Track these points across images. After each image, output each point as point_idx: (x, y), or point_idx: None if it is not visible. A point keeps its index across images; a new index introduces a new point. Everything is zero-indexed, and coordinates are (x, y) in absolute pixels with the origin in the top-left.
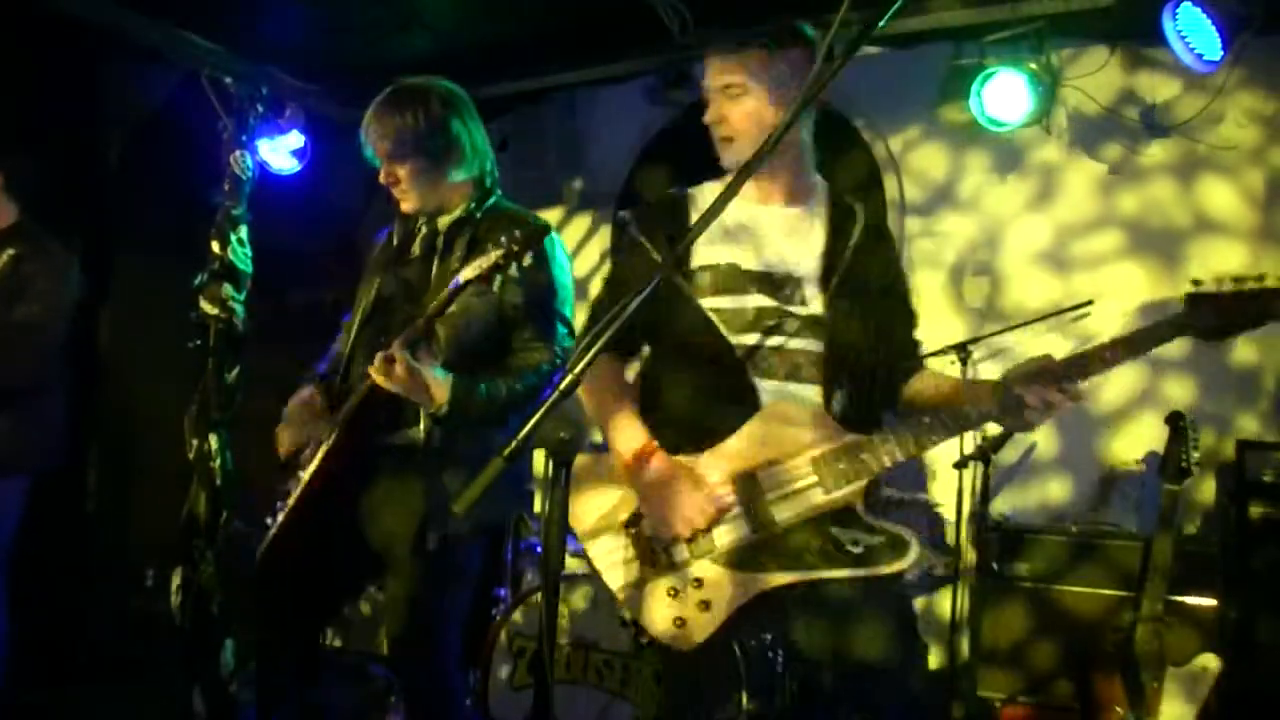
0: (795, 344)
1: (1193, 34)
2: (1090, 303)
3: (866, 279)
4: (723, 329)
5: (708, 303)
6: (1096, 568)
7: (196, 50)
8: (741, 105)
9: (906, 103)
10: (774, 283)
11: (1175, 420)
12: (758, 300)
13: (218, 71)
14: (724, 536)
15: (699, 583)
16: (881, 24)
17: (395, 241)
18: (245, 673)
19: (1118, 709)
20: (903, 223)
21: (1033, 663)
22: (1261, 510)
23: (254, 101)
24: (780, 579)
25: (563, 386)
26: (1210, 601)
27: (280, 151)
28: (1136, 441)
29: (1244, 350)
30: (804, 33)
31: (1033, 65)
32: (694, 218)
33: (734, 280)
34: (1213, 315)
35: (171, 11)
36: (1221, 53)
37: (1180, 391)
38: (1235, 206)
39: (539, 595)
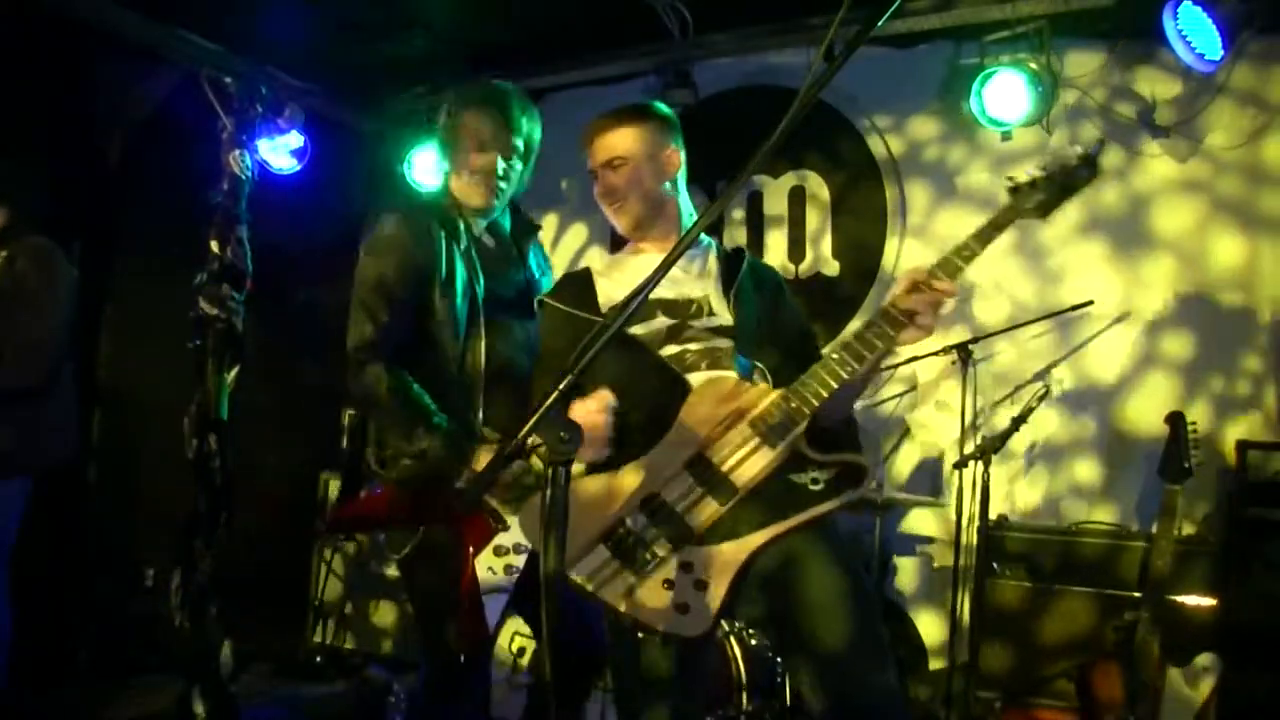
0: (709, 343)
1: (1193, 34)
2: (1090, 303)
3: (759, 295)
4: (646, 345)
5: (630, 331)
6: (1096, 568)
7: (196, 50)
8: (622, 175)
9: (906, 103)
10: (678, 306)
11: (1175, 420)
12: (666, 321)
13: (217, 71)
14: (698, 518)
15: (688, 566)
16: (881, 24)
17: (453, 234)
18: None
19: (1118, 709)
20: (903, 222)
21: (1033, 663)
22: (1261, 510)
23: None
24: (762, 536)
25: (562, 386)
26: (1210, 601)
27: (280, 151)
28: (1137, 441)
29: (1243, 350)
30: (657, 109)
31: (1033, 65)
32: (600, 286)
33: (643, 310)
34: (1035, 193)
35: (171, 11)
36: (1222, 52)
37: (1180, 391)
38: (1234, 206)
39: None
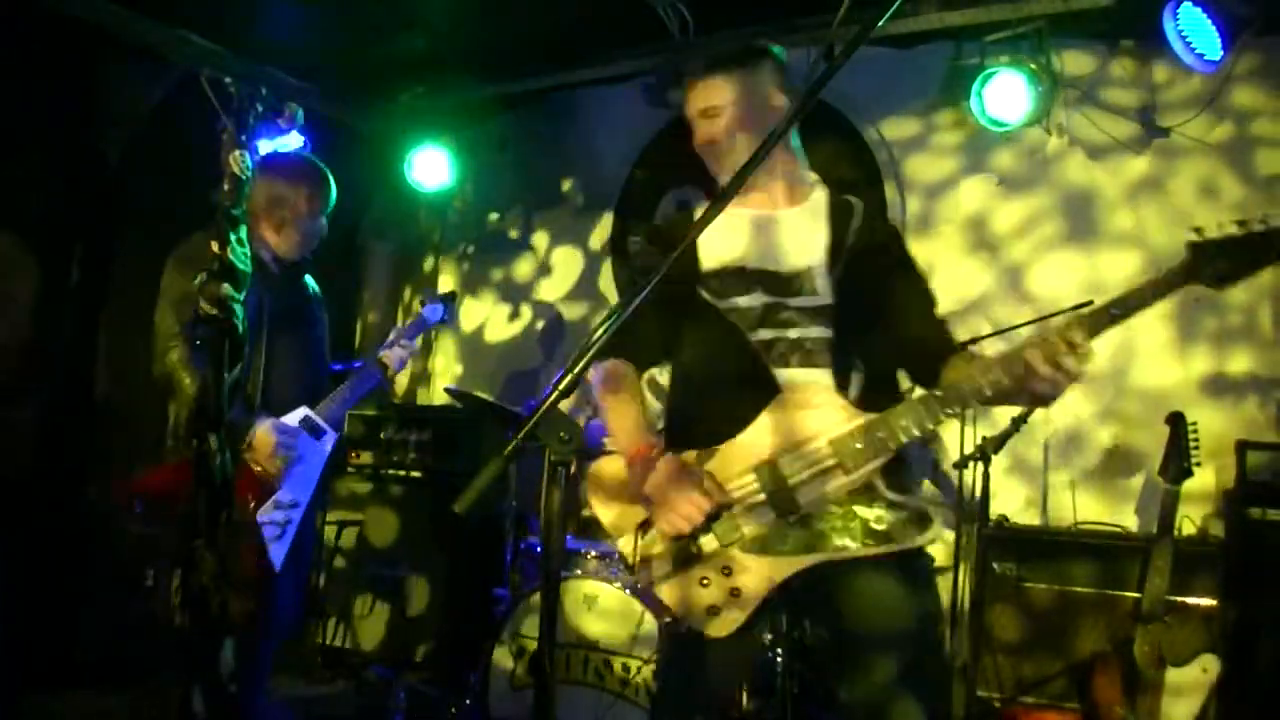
0: (803, 333)
1: (1193, 34)
2: (1090, 302)
3: (872, 266)
4: (738, 326)
5: (723, 303)
6: (1096, 568)
7: (196, 50)
8: (721, 125)
9: (907, 103)
10: (779, 280)
11: (1175, 420)
12: (763, 298)
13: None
14: (750, 524)
15: (728, 570)
16: (880, 24)
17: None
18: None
19: (1118, 709)
20: (903, 221)
21: (1032, 663)
22: (1261, 510)
23: (254, 101)
24: (807, 560)
25: (562, 386)
26: (1210, 601)
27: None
28: (1137, 441)
29: (1244, 351)
30: (771, 51)
31: (1033, 65)
32: (697, 244)
33: (739, 282)
34: (1220, 259)
35: (171, 11)
36: (1222, 53)
37: (1180, 391)
38: (1235, 204)
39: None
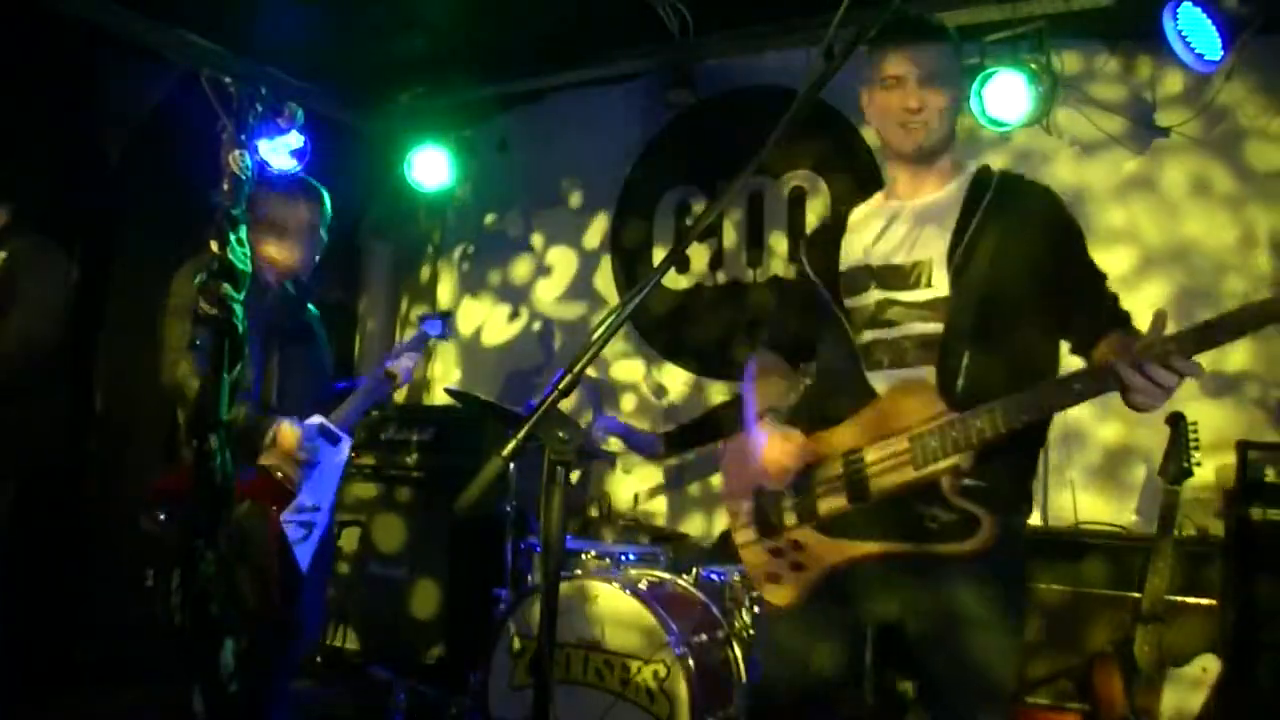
0: (908, 330)
1: (1193, 34)
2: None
3: (1006, 248)
4: (849, 329)
5: (847, 303)
6: (1097, 567)
7: (196, 50)
8: (937, 95)
9: None
10: (897, 274)
11: (1175, 421)
12: (876, 295)
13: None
14: (826, 505)
15: (798, 545)
16: (880, 24)
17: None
18: None
19: (1118, 709)
20: None
21: (1034, 662)
22: (1262, 510)
23: (254, 101)
24: (864, 548)
25: (562, 386)
26: (1210, 601)
27: (280, 151)
28: (1137, 441)
29: (1244, 352)
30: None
31: (1033, 65)
32: (845, 242)
33: (859, 279)
34: None
35: (171, 11)
36: (1222, 53)
37: (1181, 391)
38: (1234, 204)
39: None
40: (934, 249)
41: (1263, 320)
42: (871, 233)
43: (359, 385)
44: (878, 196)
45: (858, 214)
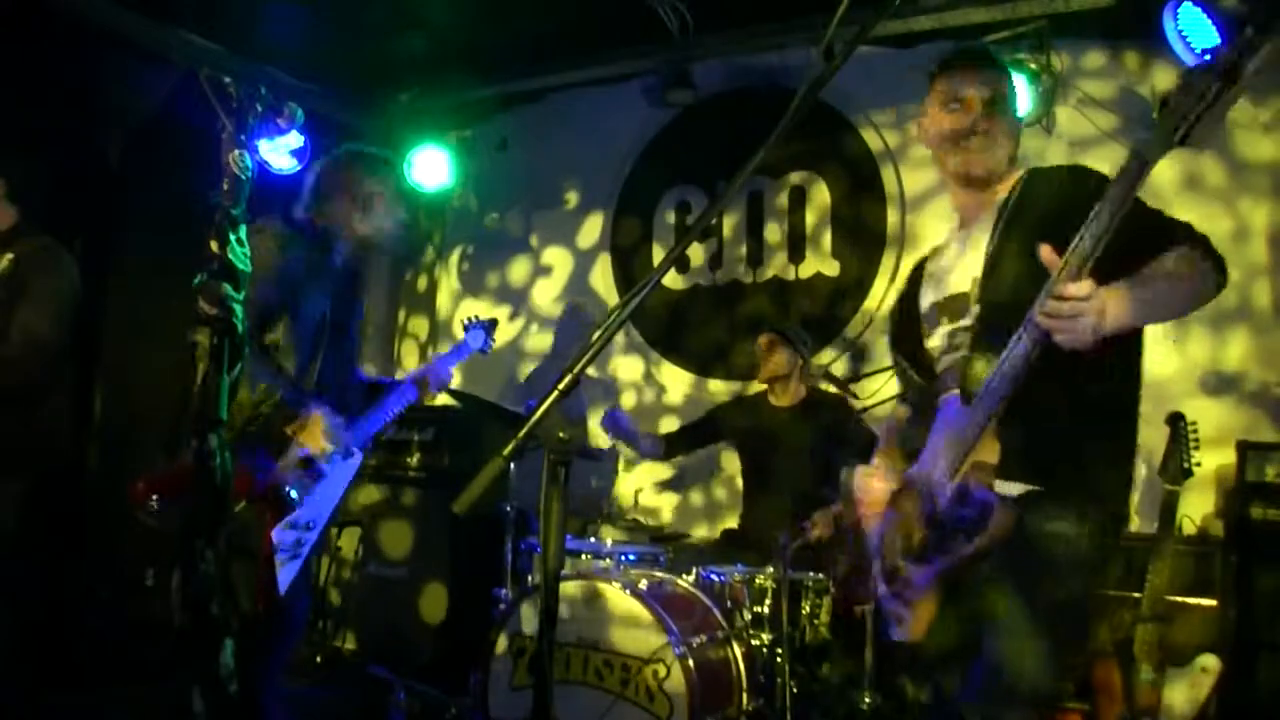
0: (955, 358)
1: (1193, 34)
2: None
3: (1023, 247)
4: (931, 363)
5: (927, 344)
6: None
7: (196, 50)
8: (994, 118)
9: (906, 103)
10: (951, 306)
11: (1175, 421)
12: (946, 326)
13: (217, 71)
14: (914, 536)
15: (902, 579)
16: (880, 24)
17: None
18: None
19: (1118, 708)
20: (902, 223)
21: None
22: (1262, 510)
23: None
24: (936, 564)
25: (562, 386)
26: (1210, 601)
27: (280, 151)
28: (1137, 441)
29: (1244, 349)
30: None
31: (1033, 65)
32: (921, 287)
33: (931, 318)
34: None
35: (171, 11)
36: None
37: (1180, 392)
38: (1234, 204)
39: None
40: (976, 268)
41: (1119, 202)
42: (943, 268)
43: (385, 383)
44: (949, 230)
45: (932, 260)
